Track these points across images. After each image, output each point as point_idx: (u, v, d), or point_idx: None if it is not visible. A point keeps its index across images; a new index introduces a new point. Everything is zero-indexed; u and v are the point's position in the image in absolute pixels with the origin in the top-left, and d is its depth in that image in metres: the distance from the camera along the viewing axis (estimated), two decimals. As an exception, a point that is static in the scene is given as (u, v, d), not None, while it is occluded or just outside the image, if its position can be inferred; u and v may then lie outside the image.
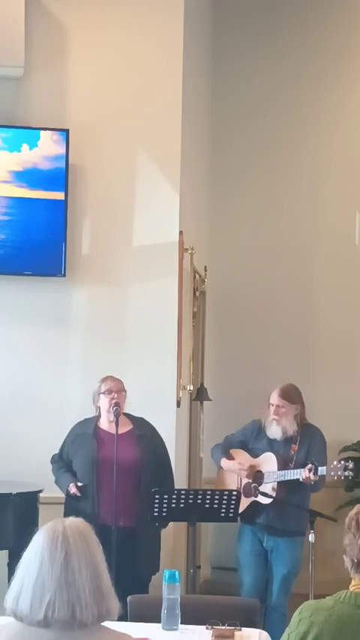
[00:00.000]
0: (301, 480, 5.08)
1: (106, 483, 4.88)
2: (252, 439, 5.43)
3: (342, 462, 5.12)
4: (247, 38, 7.54)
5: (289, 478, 5.15)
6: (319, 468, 5.06)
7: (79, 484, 4.96)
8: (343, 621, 2.68)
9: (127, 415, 5.19)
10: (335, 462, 5.12)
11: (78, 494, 4.94)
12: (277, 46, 7.54)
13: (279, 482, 5.19)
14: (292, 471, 5.15)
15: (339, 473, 5.08)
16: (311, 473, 5.03)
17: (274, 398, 5.36)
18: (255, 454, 5.38)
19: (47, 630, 2.22)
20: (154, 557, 5.08)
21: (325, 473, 5.08)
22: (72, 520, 2.33)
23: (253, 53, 7.54)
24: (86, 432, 5.11)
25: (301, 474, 5.08)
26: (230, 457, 5.45)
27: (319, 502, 5.75)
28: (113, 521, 4.82)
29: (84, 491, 4.96)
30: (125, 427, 5.09)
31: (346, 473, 5.06)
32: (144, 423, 5.22)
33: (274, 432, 5.33)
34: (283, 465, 5.23)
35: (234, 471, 5.37)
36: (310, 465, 5.07)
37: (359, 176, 7.52)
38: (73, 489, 4.96)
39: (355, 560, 2.72)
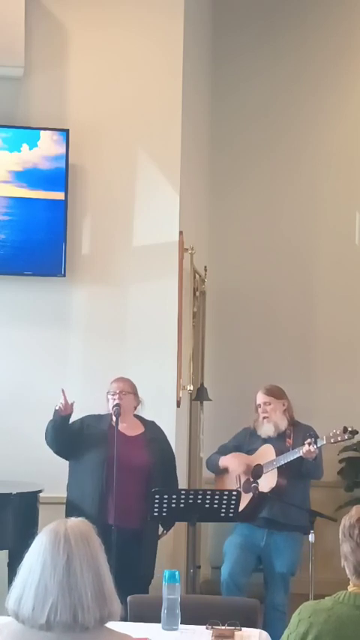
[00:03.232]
0: (302, 454, 5.08)
1: (118, 483, 4.86)
2: (246, 444, 5.47)
3: (339, 430, 5.09)
4: (247, 38, 7.54)
5: (289, 459, 5.15)
6: (318, 440, 5.08)
7: (71, 402, 4.96)
8: (343, 622, 2.68)
9: (140, 418, 5.20)
10: (334, 430, 5.11)
11: (66, 402, 4.94)
12: (277, 46, 7.54)
13: (280, 472, 5.18)
14: (290, 452, 5.17)
15: (338, 438, 5.08)
16: (311, 446, 5.04)
17: (260, 397, 5.45)
18: (251, 454, 5.39)
19: (49, 633, 2.22)
20: (153, 562, 5.09)
21: (325, 442, 5.09)
22: (74, 521, 2.32)
23: (253, 53, 7.53)
24: (101, 427, 5.10)
25: (301, 450, 5.08)
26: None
27: (319, 502, 5.75)
28: (114, 521, 4.83)
29: (89, 488, 4.95)
30: (137, 430, 5.11)
31: (346, 436, 5.04)
32: (155, 427, 5.23)
33: (267, 429, 5.37)
34: (278, 454, 5.24)
35: (232, 464, 5.37)
36: (309, 440, 5.07)
37: (359, 176, 7.52)
38: (65, 403, 4.95)
39: (359, 568, 2.72)
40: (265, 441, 5.38)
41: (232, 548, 5.33)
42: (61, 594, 2.21)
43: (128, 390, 5.11)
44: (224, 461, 5.48)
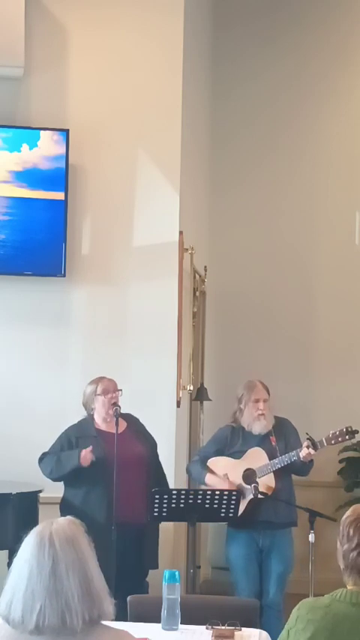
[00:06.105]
0: (301, 457, 5.02)
1: (122, 482, 4.86)
2: (227, 445, 5.29)
3: (339, 429, 5.03)
4: (247, 38, 7.55)
5: (286, 463, 5.08)
6: (318, 443, 5.03)
7: (90, 449, 4.89)
8: (339, 619, 2.71)
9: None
10: (334, 431, 5.04)
11: (93, 459, 4.89)
12: (277, 45, 7.55)
13: (276, 474, 5.14)
14: (286, 455, 5.08)
15: (339, 439, 5.01)
16: (310, 449, 5.00)
17: (261, 393, 5.27)
18: (236, 458, 5.29)
19: (40, 637, 2.23)
20: (157, 550, 5.13)
21: (325, 444, 5.02)
22: (60, 523, 2.32)
23: (253, 53, 7.54)
24: (88, 434, 5.10)
25: (299, 453, 5.02)
26: (211, 471, 5.28)
27: (319, 502, 5.75)
28: (123, 519, 4.83)
29: (98, 490, 4.94)
30: (121, 425, 5.08)
31: (347, 437, 4.98)
32: (134, 418, 5.24)
33: (262, 426, 5.20)
34: (270, 457, 5.16)
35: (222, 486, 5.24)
36: (307, 443, 5.03)
37: (359, 176, 7.53)
38: (88, 456, 4.89)
39: (342, 566, 2.78)
40: (247, 440, 5.28)
41: (244, 562, 5.20)
42: (48, 599, 2.22)
43: (117, 388, 5.12)
44: (211, 481, 5.28)
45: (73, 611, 2.22)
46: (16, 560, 2.30)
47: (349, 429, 4.99)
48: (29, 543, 2.28)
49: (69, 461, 4.97)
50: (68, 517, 2.36)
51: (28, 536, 2.31)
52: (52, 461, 5.04)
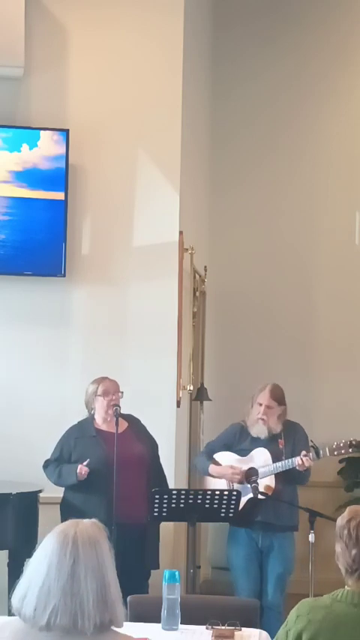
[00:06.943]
0: (296, 466, 5.07)
1: (122, 482, 4.88)
2: (235, 441, 5.36)
3: (343, 441, 5.09)
4: (247, 38, 7.54)
5: (286, 468, 5.12)
6: (320, 451, 5.06)
7: (85, 463, 4.93)
8: (340, 620, 2.71)
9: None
10: (338, 442, 5.09)
11: (87, 469, 4.92)
12: (277, 45, 7.54)
13: (277, 476, 5.16)
14: (287, 461, 5.12)
15: (342, 451, 5.07)
16: (306, 458, 5.03)
17: (265, 398, 5.33)
18: (242, 455, 5.34)
19: (49, 634, 2.23)
20: (158, 551, 5.14)
21: (328, 454, 5.08)
22: (85, 524, 2.32)
23: (253, 52, 7.54)
24: (88, 434, 5.11)
25: (295, 462, 5.06)
26: (216, 463, 5.36)
27: (319, 502, 5.75)
28: (123, 519, 4.83)
29: (98, 490, 4.94)
30: (122, 425, 5.09)
31: (351, 450, 5.03)
32: (135, 419, 5.25)
33: (259, 430, 5.29)
34: (275, 459, 5.21)
35: (226, 476, 5.29)
36: (304, 452, 5.06)
37: (359, 176, 7.52)
38: (83, 470, 4.92)
39: (348, 569, 2.77)
40: (255, 440, 5.32)
41: (245, 562, 5.23)
42: (62, 599, 2.21)
43: (118, 390, 5.12)
44: (215, 471, 5.35)
45: (85, 614, 2.21)
46: (34, 555, 2.29)
47: (353, 442, 5.03)
48: (51, 540, 2.28)
49: (68, 477, 5.01)
50: (93, 520, 2.36)
51: (50, 533, 2.31)
52: (55, 473, 5.09)
